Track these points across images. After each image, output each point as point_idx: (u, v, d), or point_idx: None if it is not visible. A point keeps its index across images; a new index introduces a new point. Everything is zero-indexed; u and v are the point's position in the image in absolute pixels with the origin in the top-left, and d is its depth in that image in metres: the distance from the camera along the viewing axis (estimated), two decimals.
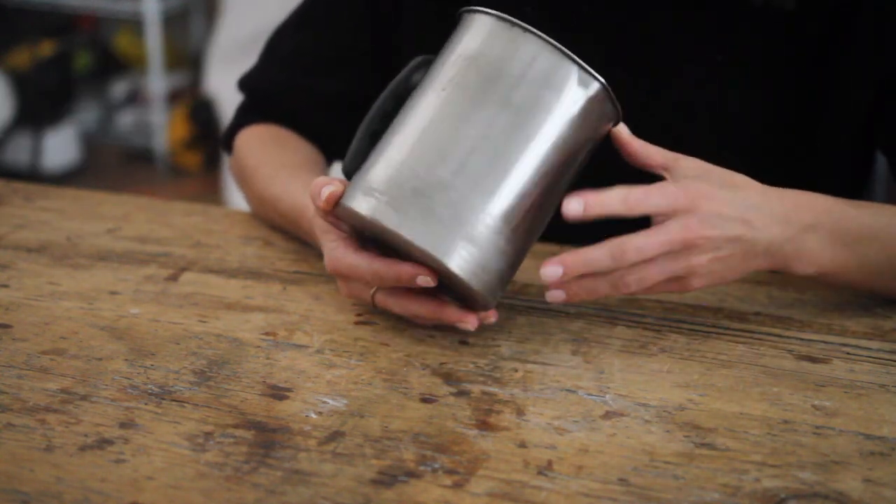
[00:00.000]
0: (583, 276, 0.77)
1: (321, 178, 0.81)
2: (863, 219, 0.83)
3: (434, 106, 0.77)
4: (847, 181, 1.00)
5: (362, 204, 0.76)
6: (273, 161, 1.03)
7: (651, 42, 0.95)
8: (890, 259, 0.85)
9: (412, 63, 0.82)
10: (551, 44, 0.76)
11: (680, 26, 0.95)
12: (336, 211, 0.79)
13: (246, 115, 1.11)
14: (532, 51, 0.76)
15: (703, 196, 0.77)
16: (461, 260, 0.75)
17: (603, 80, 0.77)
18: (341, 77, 1.07)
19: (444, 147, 0.76)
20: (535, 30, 0.76)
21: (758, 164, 0.92)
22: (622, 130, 0.79)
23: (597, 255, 0.76)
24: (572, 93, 0.76)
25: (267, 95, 1.10)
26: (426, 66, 0.81)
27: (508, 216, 0.76)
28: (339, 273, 0.82)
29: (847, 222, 0.82)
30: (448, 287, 0.79)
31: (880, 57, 0.92)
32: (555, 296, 0.78)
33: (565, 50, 0.76)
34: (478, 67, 0.77)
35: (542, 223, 0.79)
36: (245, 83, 1.12)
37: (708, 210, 0.77)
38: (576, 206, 0.75)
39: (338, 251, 0.81)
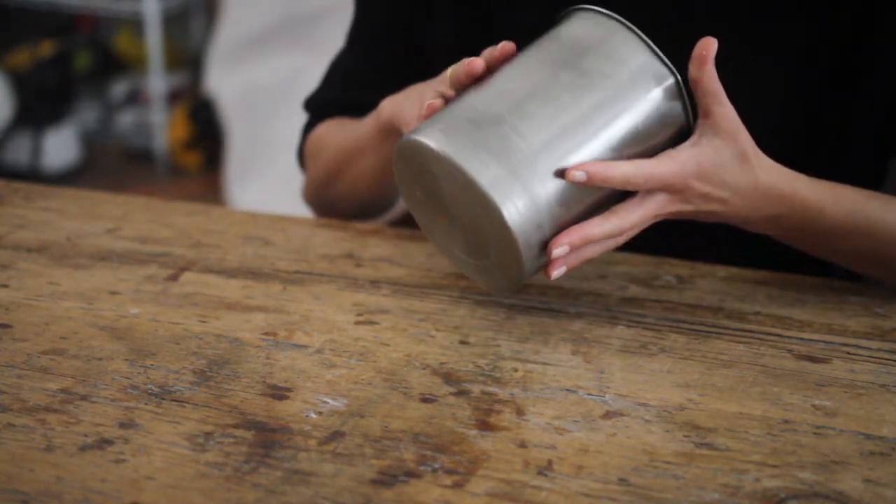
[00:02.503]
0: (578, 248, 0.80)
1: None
2: (836, 218, 0.86)
3: (507, 67, 0.81)
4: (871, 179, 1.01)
5: (417, 133, 0.78)
6: (343, 126, 1.11)
7: (683, 34, 0.95)
8: (855, 250, 0.88)
9: None
10: (630, 28, 0.79)
11: (710, 17, 0.95)
12: (396, 150, 0.81)
13: (310, 129, 1.18)
14: (611, 32, 0.80)
15: (696, 177, 0.80)
16: (498, 184, 0.75)
17: (678, 74, 0.79)
18: (388, 90, 1.10)
19: (504, 90, 0.78)
20: (615, 15, 0.80)
21: (787, 158, 0.92)
22: (710, 49, 0.80)
23: (599, 232, 0.79)
24: (641, 71, 0.79)
25: (327, 110, 1.16)
26: None
27: (556, 160, 0.77)
28: None
29: (818, 222, 0.86)
30: (478, 238, 0.79)
31: None
32: (558, 273, 0.80)
33: (642, 34, 0.79)
34: (559, 40, 0.81)
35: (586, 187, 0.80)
36: (309, 103, 1.18)
37: (695, 192, 0.81)
38: (579, 174, 0.77)
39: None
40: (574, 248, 0.78)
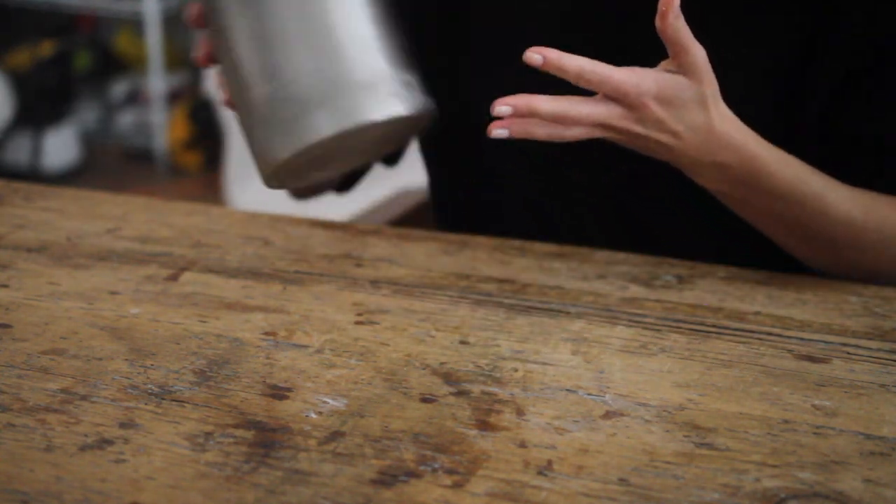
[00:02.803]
0: (526, 119, 0.82)
1: None
2: (783, 181, 0.87)
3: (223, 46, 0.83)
4: None
5: (260, 174, 0.84)
6: None
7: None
8: (793, 220, 0.90)
9: None
10: None
11: (703, 10, 0.95)
12: (277, 188, 0.86)
13: None
14: None
15: (655, 99, 0.82)
16: (321, 119, 0.79)
17: None
18: None
19: (242, 68, 0.82)
20: None
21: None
22: (671, 1, 0.81)
23: (545, 107, 0.81)
24: None
25: None
26: None
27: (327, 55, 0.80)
28: None
29: (765, 181, 0.87)
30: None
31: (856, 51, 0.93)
32: (499, 133, 0.82)
33: None
34: None
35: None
36: None
37: (650, 114, 0.82)
38: (536, 57, 0.79)
39: None
40: (518, 113, 0.80)
